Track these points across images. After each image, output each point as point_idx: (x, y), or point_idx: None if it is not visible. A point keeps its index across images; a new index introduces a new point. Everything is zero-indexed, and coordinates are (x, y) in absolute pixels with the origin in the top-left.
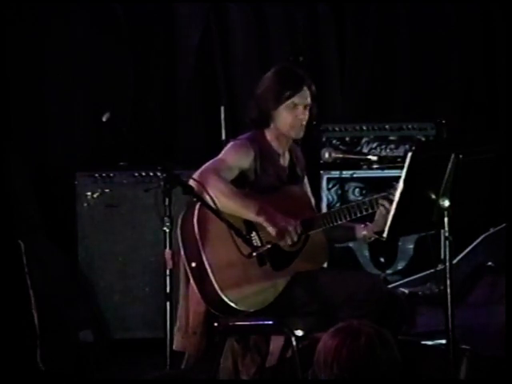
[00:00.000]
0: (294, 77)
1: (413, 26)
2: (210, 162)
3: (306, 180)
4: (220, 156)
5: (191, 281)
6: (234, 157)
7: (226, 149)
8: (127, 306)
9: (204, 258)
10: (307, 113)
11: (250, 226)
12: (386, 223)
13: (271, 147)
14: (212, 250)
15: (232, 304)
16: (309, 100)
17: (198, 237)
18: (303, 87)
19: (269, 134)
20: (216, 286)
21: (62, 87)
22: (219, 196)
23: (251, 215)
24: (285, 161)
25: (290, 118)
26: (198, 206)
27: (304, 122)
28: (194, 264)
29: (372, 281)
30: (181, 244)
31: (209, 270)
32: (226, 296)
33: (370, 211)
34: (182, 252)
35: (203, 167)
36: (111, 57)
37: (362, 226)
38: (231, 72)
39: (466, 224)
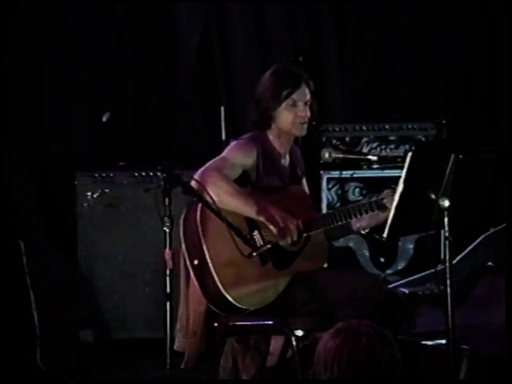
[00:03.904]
0: (290, 75)
1: (413, 25)
2: (213, 160)
3: (304, 181)
4: (223, 154)
5: (193, 278)
6: (237, 155)
7: (228, 147)
8: (127, 306)
9: (206, 256)
10: (308, 109)
11: (252, 224)
12: (382, 219)
13: (273, 147)
14: (214, 248)
15: (234, 302)
16: (308, 96)
17: (200, 234)
18: (301, 84)
19: (271, 135)
20: (218, 283)
21: (63, 87)
22: (221, 193)
23: (253, 213)
24: (285, 161)
25: (291, 117)
26: (200, 204)
27: (306, 119)
28: (196, 261)
29: (372, 280)
30: (183, 242)
31: (211, 268)
32: (228, 294)
33: (370, 213)
34: (184, 249)
35: (206, 166)
36: (111, 57)
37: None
38: (231, 72)
39: (466, 224)
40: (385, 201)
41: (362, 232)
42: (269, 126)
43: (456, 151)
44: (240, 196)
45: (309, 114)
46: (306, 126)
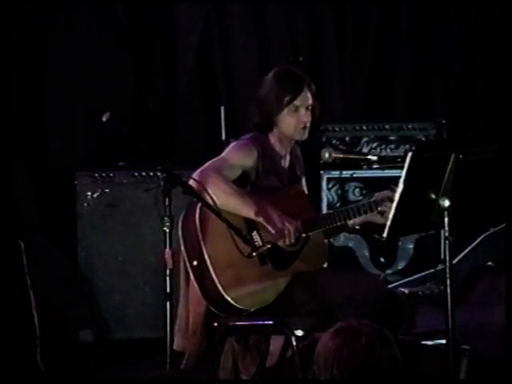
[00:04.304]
0: (293, 79)
1: (413, 25)
2: (212, 160)
3: (303, 181)
4: (222, 155)
5: (192, 279)
6: (237, 156)
7: (228, 148)
8: (127, 306)
9: (206, 256)
10: (310, 114)
11: (251, 224)
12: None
13: (273, 149)
14: (213, 248)
15: (233, 302)
16: (310, 101)
17: (199, 235)
18: (303, 89)
19: (272, 137)
20: (218, 284)
21: (63, 87)
22: (219, 194)
23: (251, 214)
24: (285, 162)
25: (293, 122)
26: (199, 204)
27: (308, 124)
28: (195, 262)
29: (372, 281)
30: (182, 242)
31: (210, 268)
32: (228, 294)
33: (369, 213)
34: (183, 250)
35: (205, 165)
36: (111, 57)
37: None
38: (231, 72)
39: (466, 224)
40: (384, 204)
41: (356, 227)
42: (271, 129)
43: (456, 151)
44: (238, 196)
45: (310, 118)
46: (307, 130)
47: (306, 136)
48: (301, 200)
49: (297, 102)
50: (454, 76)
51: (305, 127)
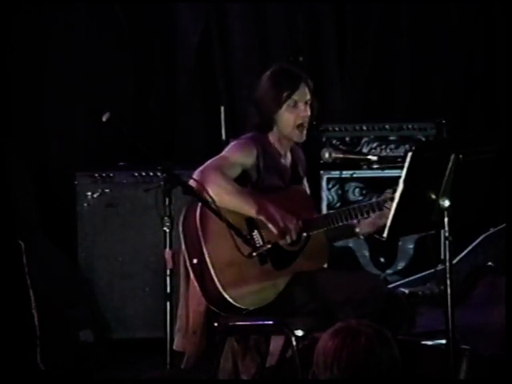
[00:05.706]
0: (289, 76)
1: (413, 25)
2: (213, 159)
3: (305, 181)
4: (223, 153)
5: (192, 278)
6: (237, 154)
7: (228, 147)
8: (127, 306)
9: (206, 255)
10: (309, 109)
11: (252, 224)
12: (384, 220)
13: (274, 148)
14: (214, 247)
15: (232, 301)
16: (308, 96)
17: (200, 233)
18: (300, 84)
19: (272, 137)
20: (217, 283)
21: (63, 87)
22: (221, 192)
23: (252, 212)
24: (286, 161)
25: (293, 118)
26: (200, 203)
27: (307, 119)
28: (195, 261)
29: (372, 281)
30: (182, 240)
31: (210, 267)
32: (227, 293)
33: (371, 214)
34: (184, 248)
35: (205, 164)
36: (111, 57)
37: (355, 221)
38: (231, 72)
39: (466, 224)
40: (386, 204)
41: (361, 237)
42: (270, 129)
43: (456, 151)
44: (240, 195)
45: (309, 113)
46: (305, 131)
47: (303, 138)
48: (302, 200)
49: (295, 97)
50: (453, 76)
51: (303, 126)
